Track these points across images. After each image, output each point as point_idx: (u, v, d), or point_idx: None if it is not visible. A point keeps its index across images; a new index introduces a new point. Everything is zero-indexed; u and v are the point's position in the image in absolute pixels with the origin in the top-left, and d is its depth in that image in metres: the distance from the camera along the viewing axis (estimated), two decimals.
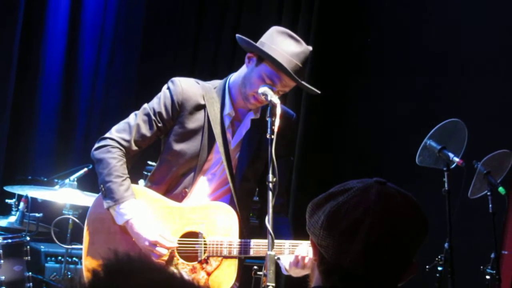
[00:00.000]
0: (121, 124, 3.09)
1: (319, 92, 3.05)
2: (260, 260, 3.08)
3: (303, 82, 2.95)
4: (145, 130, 3.05)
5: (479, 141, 4.33)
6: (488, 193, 4.16)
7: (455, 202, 3.99)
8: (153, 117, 3.04)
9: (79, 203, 4.49)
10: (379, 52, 5.70)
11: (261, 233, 2.95)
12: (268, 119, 2.77)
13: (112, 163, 2.98)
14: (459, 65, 5.22)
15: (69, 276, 4.59)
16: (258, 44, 2.97)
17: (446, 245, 3.89)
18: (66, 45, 5.82)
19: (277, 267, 2.78)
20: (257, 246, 2.93)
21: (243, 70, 3.06)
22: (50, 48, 5.77)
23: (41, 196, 4.54)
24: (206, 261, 2.96)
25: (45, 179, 4.99)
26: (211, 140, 3.05)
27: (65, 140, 5.84)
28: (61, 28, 5.79)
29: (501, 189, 4.12)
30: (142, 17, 6.08)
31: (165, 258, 2.95)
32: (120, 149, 3.03)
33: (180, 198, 3.08)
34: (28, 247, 4.27)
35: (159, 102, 3.06)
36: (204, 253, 2.97)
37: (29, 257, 4.26)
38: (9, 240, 4.20)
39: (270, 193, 2.67)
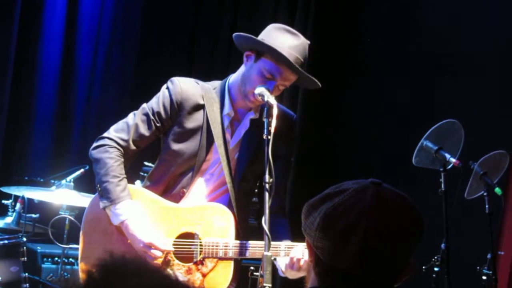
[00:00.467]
0: (120, 124, 3.09)
1: (320, 85, 3.05)
2: (257, 260, 3.07)
3: (304, 72, 2.95)
4: (144, 130, 3.05)
5: (475, 142, 4.34)
6: (485, 194, 4.16)
7: (452, 202, 3.99)
8: (151, 117, 3.04)
9: (76, 204, 4.49)
10: (376, 52, 5.70)
11: (260, 233, 2.95)
12: (264, 119, 2.77)
13: (109, 163, 2.98)
14: (456, 65, 5.22)
15: (65, 277, 4.59)
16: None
17: (442, 245, 3.90)
18: (63, 46, 5.82)
19: (274, 268, 2.78)
20: (253, 248, 2.93)
21: (242, 69, 3.06)
22: (47, 48, 5.77)
23: (38, 197, 4.53)
24: (201, 262, 2.96)
25: (42, 180, 4.98)
26: (210, 140, 3.04)
27: (62, 140, 5.84)
28: (57, 29, 5.79)
29: (497, 190, 4.12)
30: (138, 17, 6.08)
31: (160, 260, 2.94)
32: (118, 149, 3.02)
33: (178, 198, 3.07)
34: (25, 248, 4.25)
35: (158, 101, 3.06)
36: (200, 254, 2.96)
37: (25, 258, 4.25)
38: (6, 241, 4.19)
39: (267, 194, 2.67)
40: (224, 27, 5.94)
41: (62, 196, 4.51)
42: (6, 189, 4.57)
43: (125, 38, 6.09)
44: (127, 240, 2.98)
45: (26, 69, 5.74)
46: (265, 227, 2.60)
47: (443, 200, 3.92)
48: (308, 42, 3.00)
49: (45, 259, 4.87)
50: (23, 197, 4.45)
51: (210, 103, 3.06)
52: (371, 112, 5.61)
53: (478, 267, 4.21)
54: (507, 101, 4.97)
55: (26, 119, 5.77)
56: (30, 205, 4.49)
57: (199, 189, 3.09)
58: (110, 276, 1.06)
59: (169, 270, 2.95)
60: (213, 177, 3.09)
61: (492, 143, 4.53)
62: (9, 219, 4.53)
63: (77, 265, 4.15)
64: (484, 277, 4.16)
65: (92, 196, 3.17)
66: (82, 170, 4.74)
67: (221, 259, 2.95)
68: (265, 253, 2.58)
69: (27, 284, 4.25)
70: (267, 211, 2.62)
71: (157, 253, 2.92)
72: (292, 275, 2.88)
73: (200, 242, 2.97)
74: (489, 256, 4.15)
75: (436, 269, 3.93)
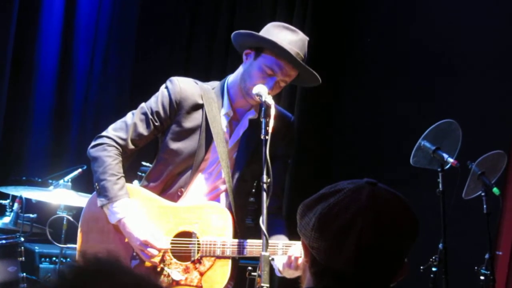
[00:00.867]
0: (118, 123, 3.09)
1: (320, 80, 3.05)
2: (255, 260, 3.07)
3: (305, 65, 2.95)
4: (142, 129, 3.05)
5: (473, 142, 4.34)
6: (482, 194, 4.16)
7: (450, 202, 3.99)
8: (150, 116, 3.04)
9: (74, 203, 4.48)
10: (373, 52, 5.70)
11: (257, 234, 2.95)
12: (262, 120, 2.78)
13: (107, 161, 2.98)
14: (454, 65, 5.23)
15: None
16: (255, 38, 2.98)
17: (440, 245, 3.90)
18: (60, 45, 5.82)
19: (271, 268, 2.78)
20: (251, 246, 2.93)
21: (240, 68, 3.06)
22: (44, 48, 5.77)
23: (35, 197, 4.53)
24: (199, 261, 2.96)
25: (39, 180, 4.98)
26: (209, 139, 3.05)
27: (59, 140, 5.84)
28: (55, 28, 5.79)
29: (495, 190, 4.12)
30: (136, 17, 6.08)
31: (157, 258, 2.95)
32: (117, 148, 3.03)
33: (176, 197, 3.07)
34: (22, 248, 4.25)
35: (156, 101, 3.06)
36: (198, 253, 2.96)
37: (23, 258, 4.24)
38: (3, 241, 4.19)
39: (265, 194, 2.67)
40: (221, 27, 5.94)
41: (60, 196, 4.51)
42: (3, 189, 4.57)
43: (122, 37, 6.09)
44: (124, 238, 2.98)
45: (24, 69, 5.74)
46: (263, 227, 2.59)
47: (441, 200, 3.93)
48: (307, 38, 3.01)
49: (43, 259, 4.86)
50: (21, 197, 4.45)
51: (209, 102, 3.06)
52: (369, 112, 5.61)
53: (476, 267, 4.22)
54: (505, 101, 4.98)
55: (24, 119, 5.76)
56: (28, 205, 4.49)
57: (197, 188, 3.09)
58: (82, 276, 1.06)
59: (166, 269, 2.96)
60: (211, 176, 3.09)
61: (490, 143, 4.54)
62: (7, 219, 4.54)
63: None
64: (482, 277, 4.16)
65: (90, 196, 3.17)
66: (80, 170, 4.74)
67: (218, 257, 2.95)
68: (263, 253, 2.58)
69: (25, 284, 4.25)
70: (265, 211, 2.62)
71: (154, 252, 2.92)
72: (290, 274, 2.88)
73: (198, 241, 2.97)
74: (487, 256, 4.15)
75: (434, 269, 3.94)
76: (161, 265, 2.96)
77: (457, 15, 5.24)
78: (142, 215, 2.99)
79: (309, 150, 5.61)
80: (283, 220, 3.13)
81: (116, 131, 3.06)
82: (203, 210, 3.01)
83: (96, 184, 2.99)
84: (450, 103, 5.10)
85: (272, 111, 2.76)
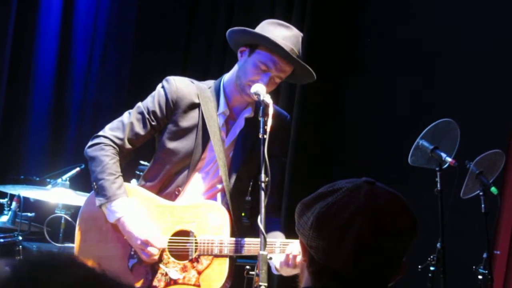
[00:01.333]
0: (115, 123, 3.10)
1: (315, 77, 3.05)
2: (253, 260, 3.07)
3: (299, 61, 2.96)
4: (139, 129, 3.05)
5: (471, 141, 4.34)
6: (481, 193, 4.16)
7: (448, 202, 3.99)
8: (147, 116, 3.04)
9: (72, 202, 4.48)
10: (372, 51, 5.70)
11: (252, 232, 2.96)
12: (260, 118, 2.78)
13: (105, 161, 2.98)
14: (452, 65, 5.22)
15: None
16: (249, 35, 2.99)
17: (438, 245, 3.90)
18: (59, 44, 5.81)
19: (269, 267, 2.78)
20: (248, 245, 2.93)
21: (236, 66, 3.08)
22: (42, 47, 5.77)
23: (33, 195, 4.52)
24: (197, 259, 2.96)
25: (37, 179, 4.98)
26: (206, 138, 3.05)
27: (57, 139, 5.83)
28: (53, 27, 5.78)
29: (493, 189, 4.12)
30: (134, 16, 6.07)
31: (156, 257, 2.95)
32: (114, 147, 3.03)
33: (173, 196, 3.08)
34: (21, 246, 4.25)
35: (153, 100, 3.06)
36: (195, 251, 2.96)
37: (21, 257, 4.24)
38: (1, 240, 4.18)
39: (263, 193, 2.67)
40: (219, 27, 5.93)
41: (58, 195, 4.51)
42: (1, 188, 4.56)
43: (120, 37, 6.08)
44: (122, 237, 2.98)
45: (22, 68, 5.74)
46: (261, 226, 2.60)
47: (439, 200, 3.92)
48: (302, 34, 3.02)
49: None
50: (18, 196, 4.44)
51: (206, 101, 3.06)
52: (366, 111, 5.60)
53: (474, 267, 4.21)
54: (503, 100, 4.98)
55: (22, 118, 5.76)
56: (25, 204, 4.48)
57: (195, 187, 3.09)
58: (36, 269, 1.06)
59: (164, 268, 2.96)
60: (208, 175, 3.10)
61: (488, 143, 4.53)
62: (4, 218, 4.53)
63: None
64: (480, 277, 4.16)
65: (88, 195, 3.17)
66: (77, 169, 4.74)
67: (216, 256, 2.95)
68: (261, 252, 2.58)
69: None
70: (263, 210, 2.63)
71: (154, 251, 2.92)
72: (287, 272, 2.88)
73: (195, 239, 2.97)
74: (485, 255, 4.15)
75: (432, 268, 3.93)
76: (159, 264, 2.96)
77: (457, 15, 5.24)
78: (141, 214, 2.99)
79: (308, 150, 5.60)
80: (279, 218, 3.13)
81: (113, 130, 3.06)
82: (200, 209, 3.01)
83: (94, 183, 2.99)
84: (448, 102, 5.10)
85: (270, 110, 2.76)
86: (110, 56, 6.02)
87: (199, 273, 2.95)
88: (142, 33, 6.07)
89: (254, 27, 3.06)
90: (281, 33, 2.94)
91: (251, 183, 3.15)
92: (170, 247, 2.98)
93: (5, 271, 1.04)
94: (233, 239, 2.96)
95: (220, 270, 2.95)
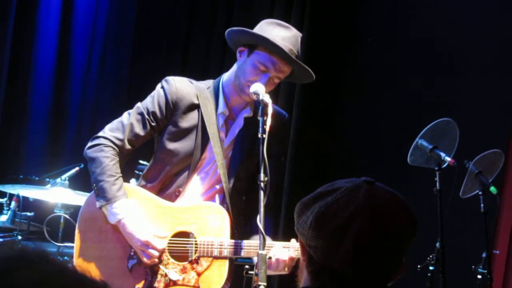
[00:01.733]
0: (115, 123, 3.09)
1: (314, 77, 3.05)
2: (251, 259, 3.07)
3: (298, 61, 2.95)
4: (139, 129, 3.05)
5: (470, 141, 4.34)
6: (480, 193, 4.16)
7: (447, 201, 3.99)
8: (146, 116, 3.04)
9: (71, 202, 4.48)
10: (372, 51, 5.70)
11: (247, 232, 2.97)
12: (260, 118, 2.78)
13: (105, 162, 2.98)
14: (452, 64, 5.22)
15: None
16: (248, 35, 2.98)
17: (437, 244, 3.90)
18: (58, 44, 5.81)
19: None
20: (248, 247, 2.93)
21: (235, 66, 3.08)
22: (42, 47, 5.76)
23: (33, 195, 4.52)
24: (196, 261, 2.96)
25: (37, 178, 4.98)
26: (205, 139, 3.05)
27: (57, 139, 5.83)
28: (52, 28, 5.78)
29: (492, 189, 4.12)
30: (133, 16, 6.07)
31: (157, 258, 2.94)
32: (113, 148, 3.02)
33: (173, 197, 3.08)
34: (20, 246, 4.25)
35: (153, 101, 3.06)
36: (195, 253, 2.96)
37: None
38: (0, 239, 4.18)
39: (262, 193, 2.67)
40: (219, 27, 5.93)
41: (57, 194, 4.51)
42: (1, 187, 4.56)
43: (120, 37, 6.08)
44: (122, 238, 2.97)
45: (21, 68, 5.74)
46: (260, 226, 2.60)
47: (438, 199, 3.92)
48: (301, 34, 3.02)
49: None
50: (18, 195, 4.44)
51: (205, 102, 3.06)
52: (366, 111, 5.60)
53: (473, 266, 4.22)
54: (502, 99, 4.98)
55: (21, 118, 5.76)
56: (25, 203, 4.48)
57: (195, 188, 3.09)
58: (5, 263, 1.06)
59: (164, 269, 2.95)
60: (208, 175, 3.10)
61: (487, 142, 4.54)
62: (4, 217, 4.52)
63: (72, 263, 4.14)
64: (479, 276, 4.16)
65: (87, 194, 3.17)
66: (77, 168, 4.74)
67: (216, 258, 2.95)
68: (260, 252, 2.58)
69: None
70: (262, 209, 2.63)
71: (155, 252, 2.92)
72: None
73: (195, 241, 2.97)
74: (484, 255, 4.15)
75: (431, 268, 3.93)
76: (159, 265, 2.96)
77: (457, 15, 5.24)
78: (141, 215, 2.99)
79: (308, 149, 5.60)
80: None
81: (112, 131, 3.06)
82: (200, 210, 3.01)
83: (94, 185, 2.99)
84: (447, 102, 5.10)
85: (270, 110, 2.76)
86: (109, 56, 6.01)
87: (199, 274, 2.95)
88: (142, 33, 6.07)
89: (253, 27, 3.06)
90: (280, 33, 2.94)
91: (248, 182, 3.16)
92: (170, 248, 2.98)
93: None
94: (233, 241, 2.96)
95: (219, 272, 2.95)
